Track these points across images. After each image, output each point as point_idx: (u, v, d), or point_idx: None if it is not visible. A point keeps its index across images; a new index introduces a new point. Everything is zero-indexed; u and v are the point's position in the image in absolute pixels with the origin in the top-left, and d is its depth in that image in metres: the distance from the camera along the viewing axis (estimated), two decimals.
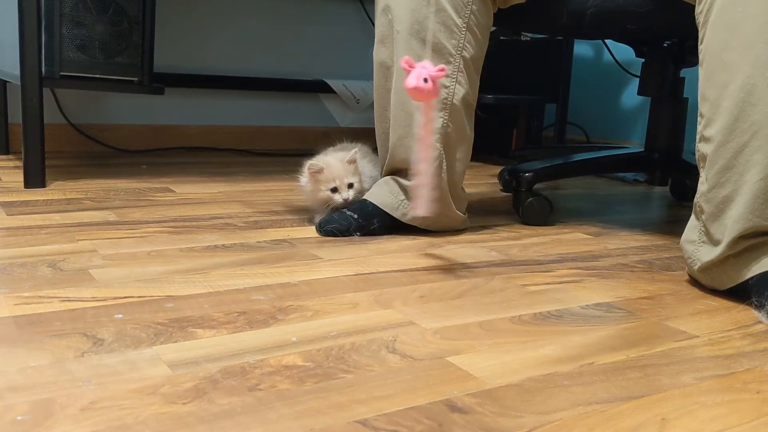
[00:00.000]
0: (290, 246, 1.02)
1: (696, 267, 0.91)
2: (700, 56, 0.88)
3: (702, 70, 0.88)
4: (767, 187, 0.82)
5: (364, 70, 2.26)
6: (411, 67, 0.87)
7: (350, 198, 1.11)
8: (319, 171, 1.09)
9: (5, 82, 1.72)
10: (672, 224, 1.37)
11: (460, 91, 1.08)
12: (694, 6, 0.89)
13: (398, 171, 1.14)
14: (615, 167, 1.71)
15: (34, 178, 1.34)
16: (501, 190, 1.64)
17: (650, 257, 1.08)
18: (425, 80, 0.85)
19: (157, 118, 2.01)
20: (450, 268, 0.95)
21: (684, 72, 1.53)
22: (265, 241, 1.04)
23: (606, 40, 2.16)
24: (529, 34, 2.27)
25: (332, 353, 0.65)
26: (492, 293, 0.85)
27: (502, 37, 2.25)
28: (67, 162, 1.69)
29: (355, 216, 1.10)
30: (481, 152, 2.16)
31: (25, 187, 1.33)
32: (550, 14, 1.22)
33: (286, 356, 0.64)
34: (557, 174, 1.56)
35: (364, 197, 1.14)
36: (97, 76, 1.41)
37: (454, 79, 1.08)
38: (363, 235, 1.10)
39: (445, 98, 1.08)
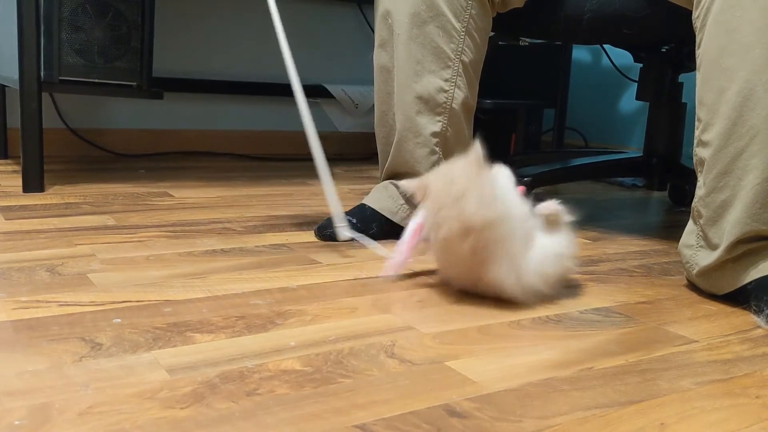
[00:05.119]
0: (289, 250, 1.02)
1: (694, 271, 0.91)
2: (698, 61, 0.88)
3: (699, 75, 0.88)
4: (765, 191, 0.82)
5: (363, 75, 2.26)
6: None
7: None
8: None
9: (4, 86, 1.72)
10: (670, 229, 1.37)
11: (459, 96, 1.08)
12: (691, 11, 0.89)
13: (398, 175, 1.14)
14: (613, 172, 1.71)
15: (33, 183, 1.34)
16: None
17: (649, 262, 1.08)
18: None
19: (155, 123, 2.01)
20: None
21: (682, 77, 1.53)
22: (263, 246, 1.04)
23: (604, 45, 2.16)
24: (528, 39, 2.28)
25: (331, 358, 0.65)
26: (491, 297, 0.85)
27: (500, 42, 2.25)
28: (65, 166, 1.69)
29: (354, 221, 1.10)
30: None
31: (24, 191, 1.33)
32: (547, 19, 1.23)
33: (284, 361, 0.63)
34: (556, 179, 1.56)
35: (362, 201, 1.14)
36: (96, 80, 1.41)
37: (453, 83, 1.08)
38: None
39: (444, 102, 1.08)
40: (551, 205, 0.82)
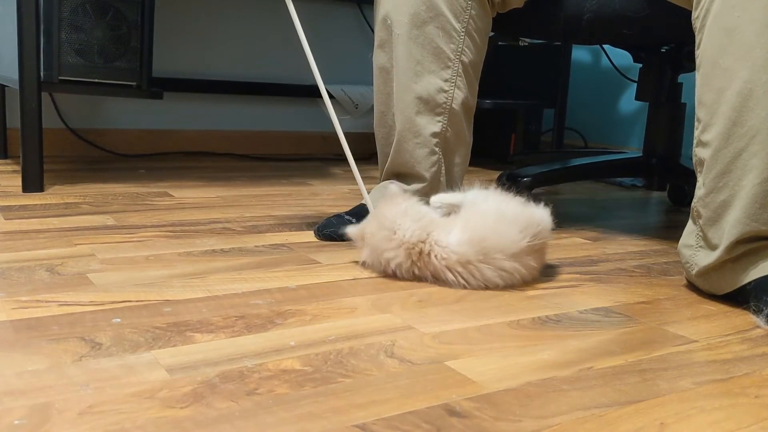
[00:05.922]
0: (288, 250, 1.02)
1: (693, 272, 0.91)
2: (697, 61, 0.88)
3: (699, 75, 0.88)
4: (765, 191, 0.82)
5: (363, 75, 2.26)
6: None
7: None
8: None
9: (4, 86, 1.72)
10: (670, 229, 1.37)
11: (459, 96, 1.08)
12: (691, 11, 0.89)
13: (398, 175, 1.14)
14: (613, 172, 1.71)
15: (33, 183, 1.34)
16: None
17: (648, 262, 1.08)
18: None
19: (155, 123, 2.01)
20: None
21: (682, 77, 1.53)
22: (263, 246, 1.04)
23: (604, 45, 2.16)
24: (528, 40, 2.28)
25: (330, 357, 0.65)
26: (490, 298, 0.85)
27: (500, 42, 2.26)
28: (65, 166, 1.69)
29: (354, 220, 1.10)
30: (480, 157, 2.17)
31: (24, 191, 1.33)
32: (547, 19, 1.23)
33: (284, 360, 0.63)
34: (555, 179, 1.56)
35: (362, 202, 1.14)
36: (96, 80, 1.41)
37: (453, 84, 1.08)
38: None
39: (444, 102, 1.08)
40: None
